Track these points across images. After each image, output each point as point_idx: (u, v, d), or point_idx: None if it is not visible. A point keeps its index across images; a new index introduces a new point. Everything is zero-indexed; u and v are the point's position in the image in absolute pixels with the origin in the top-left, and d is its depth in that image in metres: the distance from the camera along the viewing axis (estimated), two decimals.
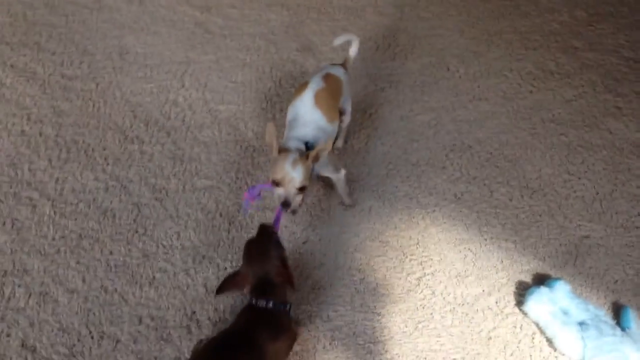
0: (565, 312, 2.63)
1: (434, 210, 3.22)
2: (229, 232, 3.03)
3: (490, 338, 2.69)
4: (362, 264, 2.91)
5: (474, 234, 3.12)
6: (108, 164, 3.30)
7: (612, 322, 2.65)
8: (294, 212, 2.44)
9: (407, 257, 2.97)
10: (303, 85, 2.73)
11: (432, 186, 3.33)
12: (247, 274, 2.36)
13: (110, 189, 3.18)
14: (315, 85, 2.70)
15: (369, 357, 2.62)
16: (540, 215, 3.22)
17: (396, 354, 2.64)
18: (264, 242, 2.34)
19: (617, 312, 2.77)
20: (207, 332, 2.64)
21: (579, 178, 3.40)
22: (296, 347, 2.61)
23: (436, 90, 3.90)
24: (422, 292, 2.84)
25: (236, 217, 3.09)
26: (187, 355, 2.54)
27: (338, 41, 3.06)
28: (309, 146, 2.54)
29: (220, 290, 2.31)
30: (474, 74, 3.97)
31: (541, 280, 2.86)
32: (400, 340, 2.69)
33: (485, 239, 3.10)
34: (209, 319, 2.69)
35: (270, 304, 2.29)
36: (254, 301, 2.31)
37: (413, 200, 3.25)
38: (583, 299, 2.73)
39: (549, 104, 3.83)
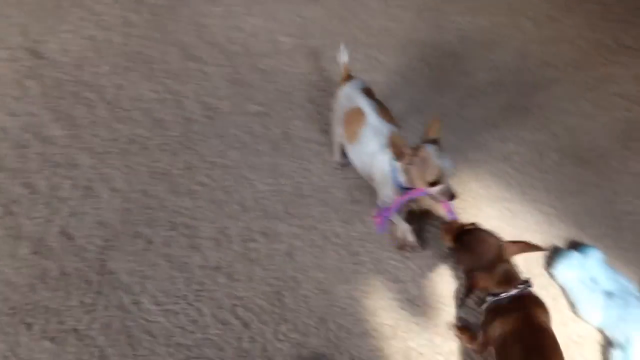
0: (594, 280, 2.56)
1: (479, 166, 3.15)
2: (271, 158, 3.06)
3: None
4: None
5: (516, 194, 3.05)
6: (167, 78, 3.37)
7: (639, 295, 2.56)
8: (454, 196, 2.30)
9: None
10: (359, 112, 2.58)
11: (482, 143, 3.26)
12: (484, 275, 2.23)
13: (165, 101, 3.25)
14: (370, 106, 2.56)
15: (389, 294, 2.62)
16: (587, 186, 3.12)
17: (416, 295, 2.63)
18: (484, 238, 2.23)
19: None
20: (236, 247, 2.70)
21: (635, 154, 3.26)
22: (318, 274, 2.64)
23: (503, 50, 3.78)
24: None
25: (280, 145, 3.11)
26: (212, 264, 2.61)
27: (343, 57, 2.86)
28: None
29: (467, 295, 2.29)
30: (545, 38, 3.82)
31: (575, 246, 2.77)
32: (421, 283, 2.68)
33: (527, 201, 3.03)
34: (239, 235, 2.75)
35: (528, 285, 2.21)
36: (503, 294, 2.19)
37: (461, 154, 3.19)
38: (614, 269, 2.63)
39: (618, 77, 3.66)
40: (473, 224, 2.30)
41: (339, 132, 2.79)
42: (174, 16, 3.71)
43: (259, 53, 3.55)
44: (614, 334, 2.45)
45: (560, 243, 2.84)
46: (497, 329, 2.15)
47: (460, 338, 2.48)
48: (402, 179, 2.35)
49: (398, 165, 2.34)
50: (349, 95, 2.63)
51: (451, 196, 2.25)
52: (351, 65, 3.47)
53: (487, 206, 2.96)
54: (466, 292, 2.24)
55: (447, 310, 2.58)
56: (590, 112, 3.43)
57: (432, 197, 2.30)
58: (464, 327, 2.49)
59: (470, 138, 3.23)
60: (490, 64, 3.67)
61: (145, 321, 2.45)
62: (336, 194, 2.92)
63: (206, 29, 3.65)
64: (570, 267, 2.59)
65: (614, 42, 3.83)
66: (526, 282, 2.22)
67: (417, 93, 3.46)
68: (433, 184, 2.23)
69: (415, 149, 2.24)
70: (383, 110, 2.55)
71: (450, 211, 2.44)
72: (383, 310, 2.56)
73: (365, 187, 2.95)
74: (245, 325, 2.46)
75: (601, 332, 2.51)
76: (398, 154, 2.26)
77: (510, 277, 2.22)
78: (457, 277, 2.65)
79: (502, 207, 2.97)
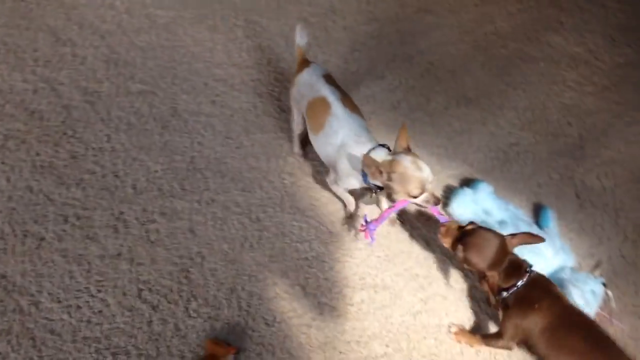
0: (487, 212, 2.67)
1: (370, 118, 3.18)
2: (161, 136, 2.96)
3: (413, 236, 2.72)
4: (293, 168, 2.88)
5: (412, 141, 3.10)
6: (38, 66, 3.17)
7: (530, 220, 2.70)
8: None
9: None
10: (323, 102, 2.47)
11: (370, 95, 3.29)
12: (492, 272, 2.21)
13: (39, 90, 3.06)
14: (334, 95, 2.45)
15: (296, 255, 2.63)
16: (473, 124, 3.23)
17: (322, 252, 2.65)
18: (487, 237, 2.20)
19: (537, 213, 2.80)
20: (135, 232, 2.61)
21: (514, 89, 3.40)
22: (223, 246, 2.61)
23: (381, 2, 3.80)
24: None
25: (169, 122, 3.02)
26: (112, 252, 2.52)
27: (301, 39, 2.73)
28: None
29: (490, 299, 2.30)
30: None
31: (467, 183, 2.87)
32: (326, 239, 2.69)
33: (418, 145, 3.10)
34: (136, 219, 2.66)
35: (533, 269, 2.25)
36: (519, 283, 2.21)
37: None
38: (504, 199, 2.76)
39: (493, 17, 3.78)
40: (472, 223, 2.25)
41: (299, 120, 2.71)
42: (39, 1, 3.47)
43: (134, 29, 3.40)
44: None
45: (453, 182, 2.93)
46: (534, 319, 2.16)
47: (460, 341, 2.48)
48: (371, 179, 2.27)
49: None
50: (311, 84, 2.50)
51: (436, 202, 2.21)
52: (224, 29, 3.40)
53: None
54: (488, 296, 2.27)
55: (355, 263, 2.62)
56: (470, 53, 3.53)
57: (417, 205, 2.26)
58: (460, 331, 2.48)
59: (358, 91, 3.25)
60: (370, 16, 3.69)
61: (47, 320, 2.34)
62: (232, 164, 2.88)
63: (75, 10, 3.45)
64: (464, 203, 2.68)
65: None
66: (529, 264, 2.26)
67: None
68: (421, 193, 2.20)
69: (391, 164, 2.16)
70: (346, 99, 2.45)
71: (439, 214, 2.39)
72: (292, 272, 2.57)
73: (261, 153, 2.92)
74: (154, 308, 2.41)
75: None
76: (373, 174, 2.19)
77: (517, 267, 2.23)
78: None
79: None
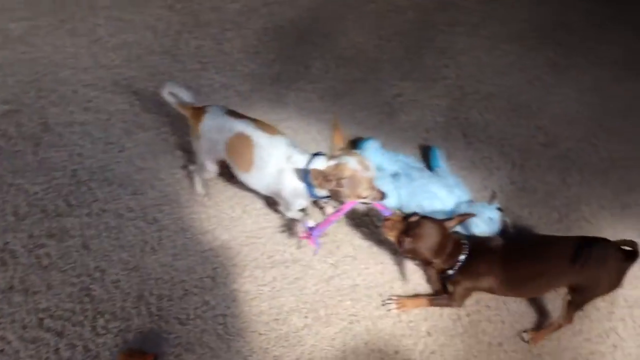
0: (379, 168, 2.68)
1: (251, 96, 3.15)
2: (35, 155, 2.80)
3: (311, 204, 2.72)
4: (184, 161, 2.80)
5: (293, 111, 3.10)
6: None
7: (421, 166, 2.76)
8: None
9: None
10: (243, 138, 2.34)
11: (248, 72, 3.24)
12: (438, 259, 2.28)
13: None
14: (250, 126, 2.35)
15: (200, 247, 2.57)
16: (355, 83, 3.25)
17: (227, 239, 2.60)
18: (431, 227, 2.23)
19: (427, 156, 2.86)
20: (24, 260, 2.46)
21: (389, 41, 3.43)
22: (122, 255, 2.51)
23: None
24: None
25: (42, 138, 2.85)
26: (3, 286, 2.37)
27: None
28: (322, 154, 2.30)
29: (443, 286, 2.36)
30: None
31: (356, 143, 2.89)
32: (228, 225, 2.64)
33: (304, 115, 3.09)
34: (23, 247, 2.52)
35: (466, 240, 2.34)
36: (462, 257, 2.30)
37: (230, 90, 3.16)
38: (393, 151, 2.79)
39: None
40: (415, 214, 2.24)
41: (212, 168, 2.55)
42: None
43: None
44: (410, 209, 2.60)
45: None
46: (487, 280, 2.29)
47: (406, 309, 2.48)
48: (319, 190, 2.22)
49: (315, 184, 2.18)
50: (219, 126, 2.36)
51: (381, 197, 2.21)
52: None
53: None
54: (441, 284, 2.33)
55: (261, 242, 2.60)
56: (341, 14, 3.55)
57: (363, 203, 2.25)
58: (401, 301, 2.48)
59: (235, 70, 3.20)
60: None
61: None
62: (118, 169, 2.77)
63: None
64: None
65: None
66: (462, 237, 2.31)
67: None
68: (369, 192, 2.19)
69: (338, 170, 2.13)
70: (260, 124, 2.35)
71: (384, 208, 2.35)
72: (198, 265, 2.52)
73: (147, 152, 2.82)
74: (59, 334, 2.30)
75: (400, 210, 2.66)
76: (321, 184, 2.12)
77: (457, 245, 2.28)
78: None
79: (285, 128, 3.00)
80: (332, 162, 2.18)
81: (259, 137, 2.29)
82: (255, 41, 3.37)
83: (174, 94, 2.45)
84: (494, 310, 2.46)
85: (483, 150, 3.01)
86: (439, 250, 2.22)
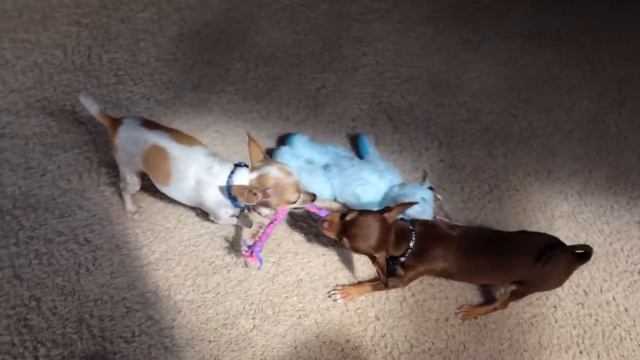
0: (310, 162, 2.71)
1: (174, 104, 3.11)
2: None
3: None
4: (109, 177, 2.74)
5: (218, 115, 3.08)
6: None
7: (351, 155, 2.81)
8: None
9: None
10: (158, 150, 2.29)
11: (168, 80, 3.20)
12: (381, 252, 2.25)
13: None
14: (165, 138, 2.30)
15: (137, 262, 2.52)
16: (277, 80, 3.26)
17: (164, 251, 2.56)
18: (368, 222, 2.21)
19: (356, 144, 2.92)
20: None
21: (306, 35, 3.46)
22: (57, 280, 2.44)
23: None
24: None
25: None
26: None
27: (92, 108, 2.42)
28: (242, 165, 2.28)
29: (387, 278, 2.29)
30: None
31: (284, 140, 2.90)
32: (165, 236, 2.61)
33: (230, 117, 3.08)
34: None
35: (413, 225, 2.35)
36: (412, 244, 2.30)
37: (151, 100, 3.11)
38: (321, 143, 2.83)
39: None
40: (351, 211, 2.23)
41: (134, 181, 2.49)
42: None
43: None
44: (345, 199, 2.64)
45: (272, 143, 2.95)
46: (439, 263, 2.31)
47: (352, 298, 2.52)
48: (244, 203, 2.20)
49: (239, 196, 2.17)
50: (134, 139, 2.30)
51: (312, 199, 2.23)
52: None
53: (198, 137, 2.92)
54: (385, 276, 2.25)
55: (200, 249, 2.58)
56: (254, 13, 3.56)
57: (296, 208, 2.30)
58: (345, 290, 2.51)
59: (155, 80, 3.15)
60: (145, 1, 3.55)
61: None
62: (41, 194, 2.69)
63: None
64: (285, 161, 2.70)
65: None
66: (409, 222, 2.31)
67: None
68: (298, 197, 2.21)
69: (261, 181, 2.15)
70: (177, 135, 2.30)
71: (318, 210, 2.36)
72: (138, 281, 2.48)
73: (70, 172, 2.75)
74: None
75: (337, 202, 2.69)
76: (249, 199, 2.10)
77: (403, 232, 2.26)
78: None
79: (212, 132, 3.01)
80: (254, 175, 2.19)
81: (174, 149, 2.25)
82: (172, 48, 3.33)
83: (91, 105, 2.38)
84: (437, 288, 2.54)
85: (410, 132, 3.08)
86: (380, 243, 2.21)
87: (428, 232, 2.32)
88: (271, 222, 2.37)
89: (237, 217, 2.38)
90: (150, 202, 2.68)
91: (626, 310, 2.58)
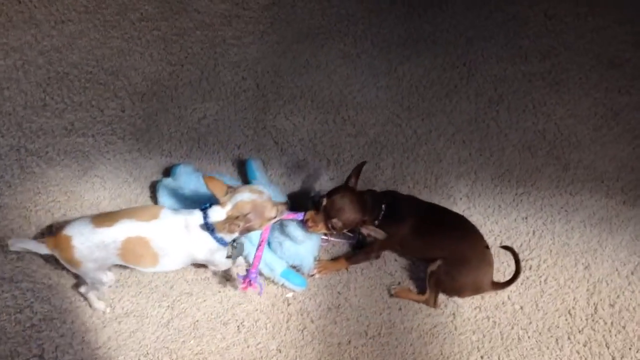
0: (195, 192, 2.73)
1: (46, 152, 3.03)
2: None
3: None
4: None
5: (96, 159, 3.04)
6: None
7: (237, 182, 2.86)
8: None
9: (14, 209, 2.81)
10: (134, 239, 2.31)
11: (38, 128, 3.12)
12: (365, 216, 2.53)
13: None
14: (130, 222, 2.31)
15: (19, 327, 2.43)
16: (157, 115, 3.24)
17: (47, 310, 2.48)
18: (340, 201, 2.47)
19: (243, 169, 3.00)
20: None
21: (182, 65, 3.46)
22: None
23: (12, 28, 3.55)
24: None
25: None
26: None
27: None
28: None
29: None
30: None
31: (168, 172, 2.90)
32: (47, 295, 2.53)
33: (109, 159, 3.04)
34: None
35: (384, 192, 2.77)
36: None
37: (21, 151, 3.02)
38: (209, 172, 2.87)
39: (134, 4, 3.75)
40: (322, 197, 2.46)
41: (109, 276, 2.43)
42: None
43: None
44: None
45: (158, 177, 2.96)
46: (405, 227, 2.59)
47: (329, 272, 2.73)
48: (229, 237, 2.33)
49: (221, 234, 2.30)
50: (97, 244, 2.25)
51: (286, 207, 2.41)
52: None
53: (74, 185, 2.94)
54: (378, 233, 2.48)
55: (86, 304, 2.50)
56: (125, 47, 3.52)
57: (276, 222, 2.42)
58: (323, 266, 2.73)
59: (21, 130, 3.09)
60: (6, 47, 3.44)
61: None
62: None
63: None
64: (168, 194, 2.72)
65: None
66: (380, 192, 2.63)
67: None
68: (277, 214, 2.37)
69: (239, 209, 2.25)
70: (137, 213, 2.31)
71: (294, 215, 2.48)
72: (21, 346, 2.44)
73: None
74: None
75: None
76: (233, 230, 2.23)
77: (375, 197, 2.59)
78: None
79: (91, 178, 3.00)
80: (229, 207, 2.27)
81: (147, 230, 2.27)
82: (40, 93, 3.25)
83: (23, 247, 2.36)
84: (337, 312, 2.60)
85: (297, 154, 3.14)
86: (362, 207, 2.47)
87: (397, 196, 2.67)
88: (260, 245, 2.43)
89: (230, 253, 2.43)
90: (28, 259, 2.59)
91: (521, 308, 2.73)
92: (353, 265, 2.73)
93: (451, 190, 3.07)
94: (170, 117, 3.23)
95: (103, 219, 2.29)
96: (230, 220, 2.21)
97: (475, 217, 2.96)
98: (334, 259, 2.73)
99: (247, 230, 2.33)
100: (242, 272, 2.46)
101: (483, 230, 2.88)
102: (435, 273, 2.56)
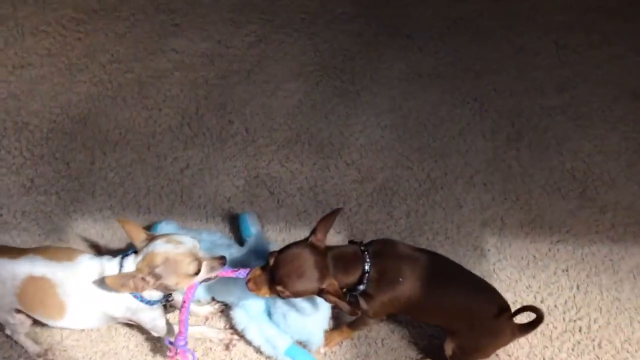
0: None
1: (1, 215, 2.64)
2: None
3: None
4: None
5: (61, 219, 2.77)
6: None
7: (229, 242, 2.54)
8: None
9: None
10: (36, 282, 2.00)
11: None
12: (328, 281, 1.95)
13: None
14: (34, 262, 2.02)
15: None
16: (130, 166, 2.91)
17: None
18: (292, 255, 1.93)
19: (236, 224, 2.69)
20: None
21: (160, 109, 3.17)
22: None
23: None
24: None
25: None
26: None
27: None
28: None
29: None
30: (7, 40, 3.35)
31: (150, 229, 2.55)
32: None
33: (76, 220, 2.74)
34: None
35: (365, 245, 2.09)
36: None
37: None
38: (196, 230, 2.58)
39: (103, 45, 3.44)
40: (272, 253, 1.94)
41: (19, 319, 2.14)
42: None
43: None
44: (225, 297, 2.31)
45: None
46: (405, 289, 2.02)
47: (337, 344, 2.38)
48: (150, 294, 1.99)
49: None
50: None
51: (222, 262, 1.98)
52: None
53: None
54: (348, 304, 1.92)
55: None
56: (93, 93, 3.21)
57: (206, 280, 2.00)
58: (329, 336, 2.35)
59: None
60: None
61: None
62: None
63: None
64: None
65: (79, 12, 3.57)
66: (360, 244, 2.05)
67: None
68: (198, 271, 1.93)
69: (147, 262, 1.87)
70: (50, 252, 2.04)
71: (234, 272, 2.07)
72: None
73: None
74: None
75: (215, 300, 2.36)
76: (141, 287, 1.87)
77: (351, 254, 2.00)
78: None
79: (54, 242, 2.72)
80: (139, 258, 1.91)
81: (56, 272, 1.98)
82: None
83: None
84: None
85: (297, 204, 2.83)
86: (321, 271, 1.92)
87: (387, 251, 2.08)
88: (182, 307, 2.03)
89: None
90: None
91: None
92: (357, 331, 2.39)
93: (477, 241, 2.74)
94: (147, 168, 2.91)
95: (10, 250, 2.07)
96: (133, 275, 1.87)
97: (508, 271, 2.65)
98: (337, 329, 2.39)
99: (164, 289, 1.98)
100: (170, 337, 2.12)
101: (519, 287, 2.59)
102: (453, 357, 2.23)
